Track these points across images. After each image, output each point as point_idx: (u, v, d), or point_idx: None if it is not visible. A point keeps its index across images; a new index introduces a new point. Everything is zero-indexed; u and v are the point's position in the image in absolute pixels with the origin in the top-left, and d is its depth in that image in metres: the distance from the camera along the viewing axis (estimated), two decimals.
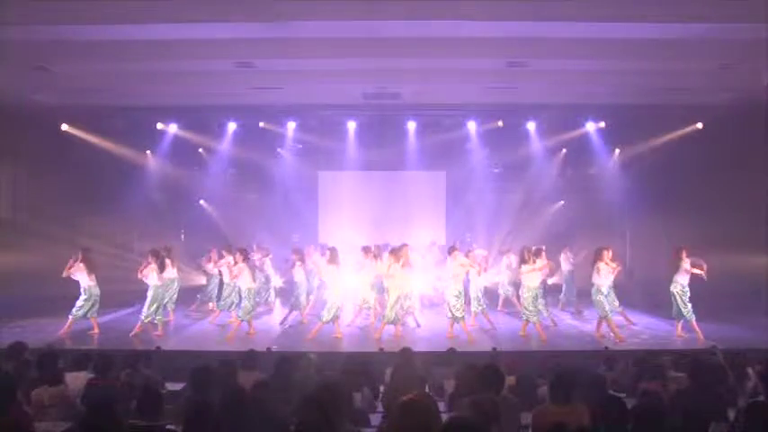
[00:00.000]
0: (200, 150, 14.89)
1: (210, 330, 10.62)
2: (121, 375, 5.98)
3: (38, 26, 8.03)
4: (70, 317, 9.97)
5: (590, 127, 13.70)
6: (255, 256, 11.56)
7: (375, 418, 5.03)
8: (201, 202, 15.18)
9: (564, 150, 14.80)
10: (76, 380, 5.76)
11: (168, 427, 4.19)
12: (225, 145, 14.24)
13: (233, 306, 10.77)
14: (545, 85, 11.06)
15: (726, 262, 11.57)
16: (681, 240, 11.95)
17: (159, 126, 13.67)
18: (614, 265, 10.06)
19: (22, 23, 7.89)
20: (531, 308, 9.81)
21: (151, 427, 4.07)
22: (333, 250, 10.17)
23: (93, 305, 10.05)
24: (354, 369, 6.12)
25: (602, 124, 13.59)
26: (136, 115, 12.70)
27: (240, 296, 10.32)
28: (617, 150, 14.37)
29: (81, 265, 10.00)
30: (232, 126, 13.85)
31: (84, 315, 10.02)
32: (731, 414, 4.59)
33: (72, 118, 12.56)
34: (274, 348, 8.50)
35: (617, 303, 10.35)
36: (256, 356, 6.42)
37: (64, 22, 7.94)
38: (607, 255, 10.01)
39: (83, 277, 10.01)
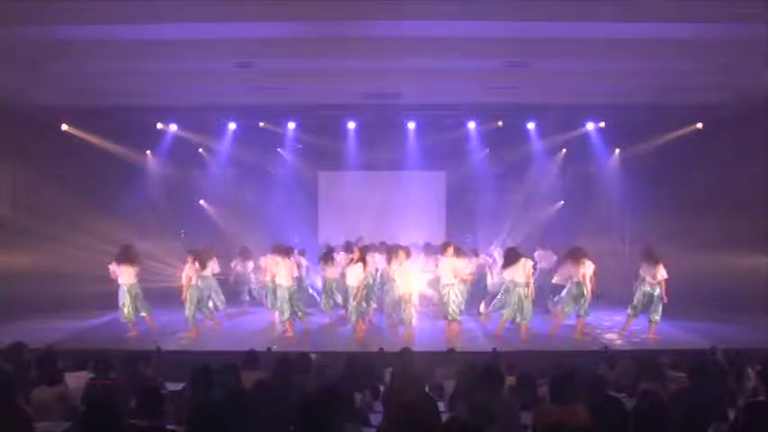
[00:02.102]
0: (200, 150, 14.89)
1: (210, 330, 10.59)
2: (121, 375, 5.99)
3: (37, 26, 8.02)
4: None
5: (590, 127, 13.71)
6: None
7: (375, 418, 5.03)
8: (201, 202, 15.18)
9: (564, 150, 14.80)
10: (76, 380, 5.77)
11: (168, 427, 4.19)
12: (225, 145, 14.25)
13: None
14: (545, 85, 11.06)
15: (726, 262, 11.58)
16: (680, 240, 11.98)
17: (159, 126, 13.67)
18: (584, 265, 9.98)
19: (22, 23, 7.88)
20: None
21: (151, 427, 4.07)
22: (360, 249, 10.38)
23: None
24: (354, 369, 6.12)
25: (602, 124, 13.60)
26: (136, 115, 12.69)
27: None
28: (617, 150, 14.37)
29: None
30: (232, 126, 13.85)
31: (131, 313, 10.08)
32: (731, 414, 4.59)
33: (72, 118, 12.56)
34: (274, 348, 8.50)
35: (571, 306, 10.02)
36: (257, 356, 6.42)
37: (64, 22, 7.94)
38: (578, 254, 10.03)
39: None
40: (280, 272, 10.00)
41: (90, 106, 11.90)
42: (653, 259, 9.89)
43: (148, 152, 14.48)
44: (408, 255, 9.99)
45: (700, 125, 12.74)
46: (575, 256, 9.95)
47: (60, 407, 5.23)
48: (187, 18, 7.88)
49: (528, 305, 9.73)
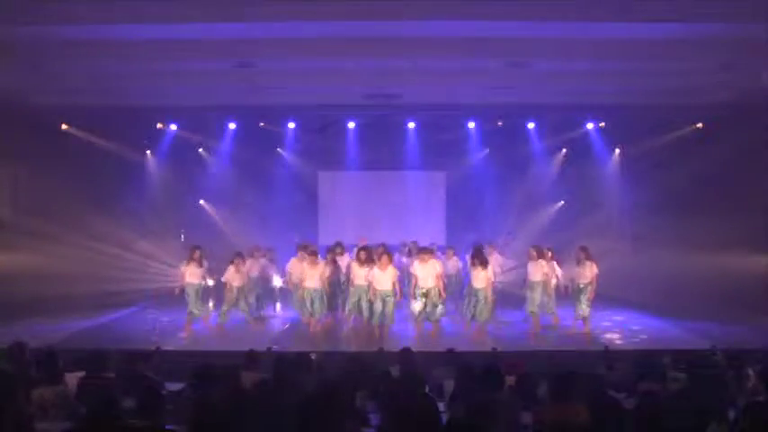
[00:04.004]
0: (200, 150, 14.90)
1: (211, 330, 10.59)
2: (120, 375, 5.98)
3: (37, 26, 8.02)
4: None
5: (590, 127, 13.72)
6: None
7: (375, 418, 5.03)
8: (201, 202, 15.19)
9: (564, 150, 14.81)
10: (76, 380, 5.76)
11: (168, 427, 4.19)
12: (225, 145, 14.26)
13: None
14: (545, 85, 11.05)
15: (726, 262, 11.58)
16: (681, 240, 11.98)
17: (159, 126, 13.68)
18: (543, 263, 10.19)
19: (22, 23, 7.88)
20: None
21: (151, 427, 4.07)
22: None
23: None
24: (354, 369, 6.12)
25: (602, 124, 13.61)
26: (136, 115, 12.70)
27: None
28: (617, 150, 14.38)
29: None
30: (232, 126, 13.86)
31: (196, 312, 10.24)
32: (731, 414, 4.59)
33: (72, 118, 12.56)
34: (275, 348, 8.50)
35: (536, 303, 10.19)
36: (257, 356, 6.42)
37: (64, 22, 7.94)
38: (534, 253, 10.18)
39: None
40: (311, 275, 10.05)
41: (90, 106, 11.90)
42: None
43: (148, 152, 14.49)
44: (390, 259, 9.89)
45: (700, 125, 12.75)
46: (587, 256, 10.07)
47: (60, 407, 5.23)
48: (187, 18, 7.88)
49: (487, 308, 9.78)
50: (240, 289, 10.41)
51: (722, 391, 5.12)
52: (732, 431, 4.23)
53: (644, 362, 6.12)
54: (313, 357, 6.66)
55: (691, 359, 6.41)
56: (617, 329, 10.52)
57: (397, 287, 9.75)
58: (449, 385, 5.84)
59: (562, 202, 15.16)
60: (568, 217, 14.53)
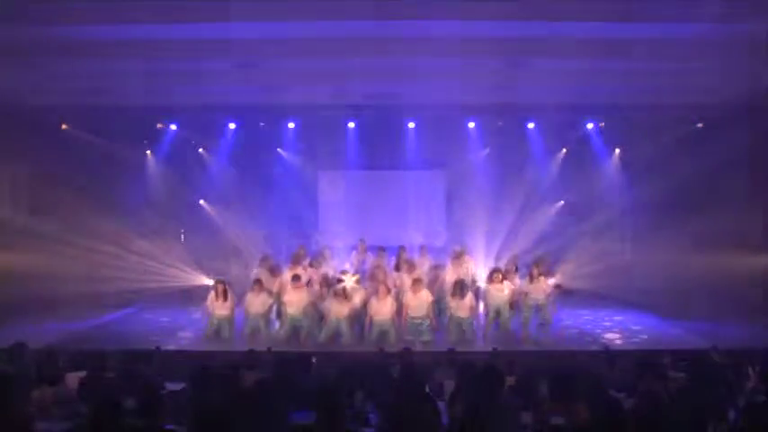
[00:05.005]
0: (200, 150, 14.91)
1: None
2: (120, 375, 5.99)
3: (38, 26, 8.02)
4: None
5: (590, 127, 13.72)
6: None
7: (375, 418, 5.03)
8: (201, 202, 15.19)
9: (564, 150, 14.81)
10: (76, 380, 5.77)
11: (168, 427, 4.19)
12: (225, 145, 14.26)
13: None
14: (545, 85, 11.04)
15: (726, 262, 11.57)
16: (680, 240, 11.97)
17: (159, 126, 13.68)
18: (501, 286, 10.00)
19: (22, 23, 7.88)
20: None
21: (151, 427, 4.07)
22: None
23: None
24: (354, 369, 6.13)
25: (602, 124, 13.61)
26: (136, 115, 12.69)
27: None
28: (617, 150, 14.38)
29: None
30: (232, 126, 13.86)
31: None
32: (731, 414, 4.59)
33: (72, 118, 12.56)
34: (274, 348, 8.49)
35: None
36: (257, 356, 6.43)
37: (63, 22, 7.94)
38: (496, 277, 10.01)
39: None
40: (294, 301, 9.86)
41: (90, 106, 11.90)
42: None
43: (148, 152, 14.49)
44: (388, 291, 9.73)
45: (700, 125, 12.74)
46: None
47: (60, 407, 5.23)
48: (187, 18, 7.88)
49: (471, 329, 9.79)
50: (257, 315, 10.11)
51: (722, 391, 5.12)
52: (732, 431, 4.23)
53: (644, 362, 6.12)
54: (314, 360, 6.67)
55: (691, 359, 6.42)
56: (617, 329, 10.53)
57: (395, 318, 9.60)
58: (449, 385, 5.85)
59: (562, 202, 15.15)
60: (568, 217, 14.52)
